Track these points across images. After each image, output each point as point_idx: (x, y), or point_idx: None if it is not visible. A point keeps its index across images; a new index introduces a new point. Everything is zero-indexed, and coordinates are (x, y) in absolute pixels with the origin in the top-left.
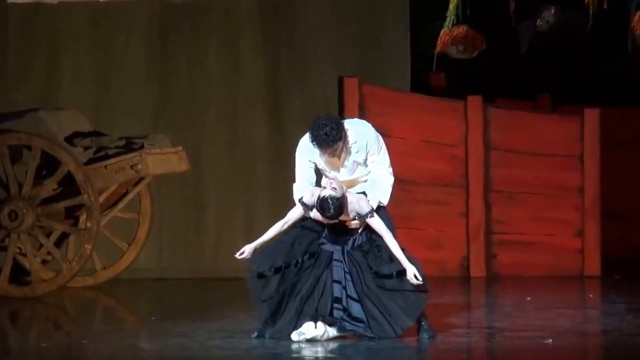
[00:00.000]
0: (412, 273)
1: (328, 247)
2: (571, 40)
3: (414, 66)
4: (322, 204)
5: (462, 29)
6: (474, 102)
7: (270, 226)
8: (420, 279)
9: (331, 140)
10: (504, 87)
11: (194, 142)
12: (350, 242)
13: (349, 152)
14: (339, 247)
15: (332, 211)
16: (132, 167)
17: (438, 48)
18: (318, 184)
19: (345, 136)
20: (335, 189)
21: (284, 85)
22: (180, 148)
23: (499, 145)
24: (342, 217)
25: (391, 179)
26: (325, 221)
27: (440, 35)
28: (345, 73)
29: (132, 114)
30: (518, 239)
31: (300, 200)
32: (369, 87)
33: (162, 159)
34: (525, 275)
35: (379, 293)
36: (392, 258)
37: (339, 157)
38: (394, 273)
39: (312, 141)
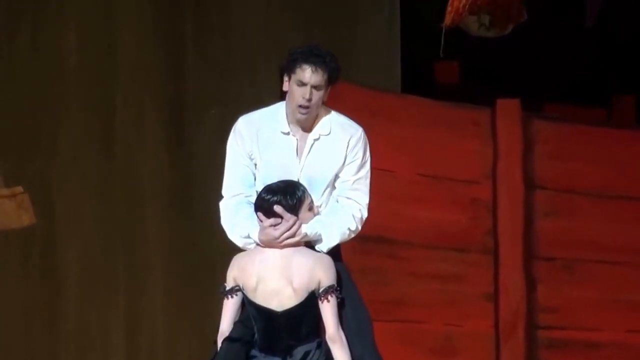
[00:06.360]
0: None
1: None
2: None
3: (407, 51)
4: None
5: None
6: (508, 109)
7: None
8: None
9: (325, 61)
10: (558, 84)
11: (42, 179)
12: (297, 355)
13: (330, 130)
14: None
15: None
16: None
17: (448, 20)
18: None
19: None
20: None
21: (192, 85)
22: (20, 189)
23: (550, 182)
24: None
25: (354, 222)
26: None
27: None
28: None
29: None
30: (582, 338)
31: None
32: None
33: None
34: None
35: None
36: None
37: (311, 124)
38: None
39: (294, 57)
